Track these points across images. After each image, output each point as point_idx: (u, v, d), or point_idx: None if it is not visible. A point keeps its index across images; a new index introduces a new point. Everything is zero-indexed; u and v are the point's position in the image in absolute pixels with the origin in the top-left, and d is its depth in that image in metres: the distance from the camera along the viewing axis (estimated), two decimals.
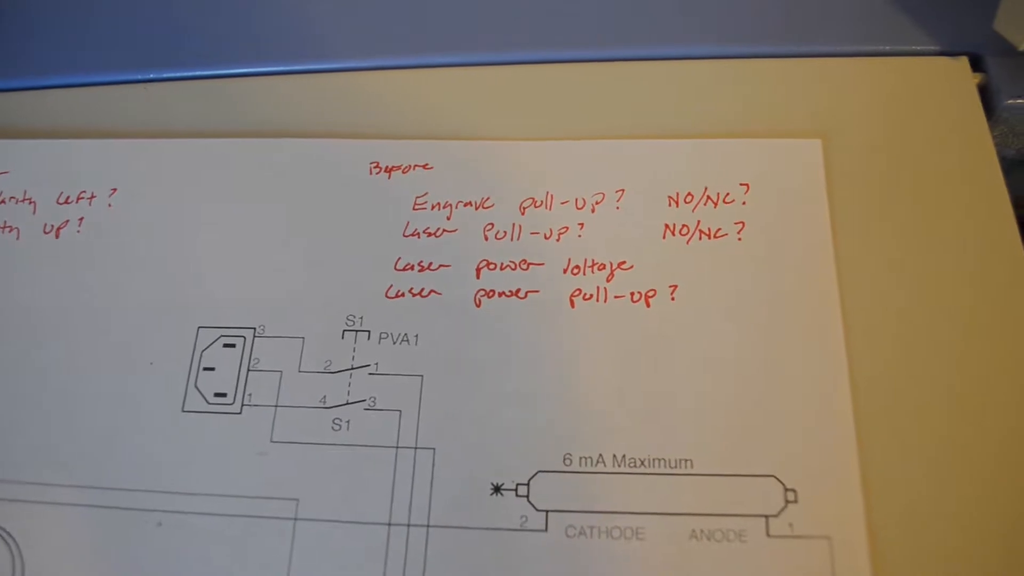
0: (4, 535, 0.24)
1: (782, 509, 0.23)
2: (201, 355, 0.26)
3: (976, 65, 0.28)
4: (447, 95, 0.29)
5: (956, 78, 0.28)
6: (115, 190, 0.29)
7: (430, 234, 0.27)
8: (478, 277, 0.26)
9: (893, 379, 0.24)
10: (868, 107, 0.28)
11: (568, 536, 0.23)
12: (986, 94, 0.28)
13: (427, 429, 0.24)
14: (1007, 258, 0.25)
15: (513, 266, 0.26)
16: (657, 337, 0.25)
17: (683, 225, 0.26)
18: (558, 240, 0.27)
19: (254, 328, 0.26)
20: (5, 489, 0.25)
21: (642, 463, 0.24)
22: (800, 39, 0.29)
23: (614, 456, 0.24)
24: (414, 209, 0.27)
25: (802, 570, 0.22)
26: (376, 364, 0.25)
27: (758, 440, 0.23)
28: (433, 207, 0.27)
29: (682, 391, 0.24)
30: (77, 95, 0.31)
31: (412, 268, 0.27)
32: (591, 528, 0.23)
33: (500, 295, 0.26)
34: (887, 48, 0.29)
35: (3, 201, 0.29)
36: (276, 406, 0.25)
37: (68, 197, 0.29)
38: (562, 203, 0.27)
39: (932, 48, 0.29)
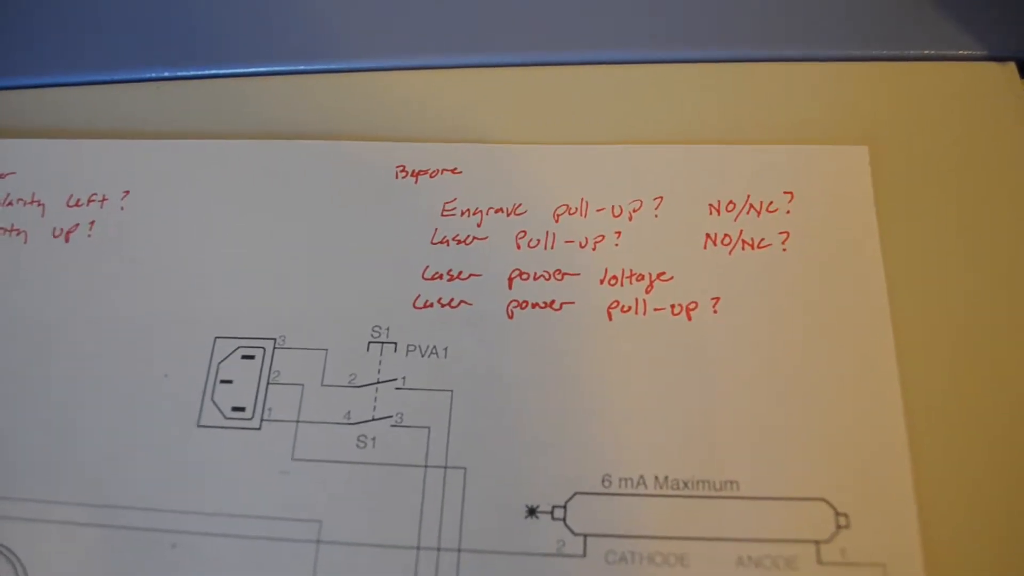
0: (8, 554, 0.23)
1: (834, 534, 0.22)
2: (218, 367, 0.25)
3: None
4: (477, 97, 0.28)
5: (1004, 84, 0.27)
6: (128, 192, 0.28)
7: (459, 241, 0.26)
8: (510, 287, 0.25)
9: (948, 395, 0.23)
10: (915, 113, 0.27)
11: (608, 562, 0.22)
12: None
13: (457, 447, 0.23)
14: None
15: (547, 276, 0.25)
16: (699, 352, 0.24)
17: (725, 235, 0.25)
18: (594, 249, 0.25)
19: (274, 339, 0.25)
20: (9, 507, 0.23)
21: (685, 485, 0.22)
22: (846, 43, 0.28)
23: (656, 477, 0.23)
24: (442, 215, 0.26)
25: None
26: (403, 378, 0.24)
27: (807, 461, 0.22)
28: (462, 213, 0.26)
29: (726, 409, 0.23)
30: (88, 94, 0.30)
31: (441, 277, 0.25)
32: (632, 554, 0.22)
33: (534, 306, 0.25)
34: (933, 53, 0.28)
35: (10, 203, 0.28)
36: (297, 422, 0.24)
37: (78, 199, 0.28)
38: (598, 210, 0.26)
39: (980, 53, 0.28)
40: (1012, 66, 0.28)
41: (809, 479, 0.22)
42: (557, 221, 0.26)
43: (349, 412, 0.24)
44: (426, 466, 0.23)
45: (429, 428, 0.24)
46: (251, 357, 0.25)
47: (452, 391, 0.24)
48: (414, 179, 0.27)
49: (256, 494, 0.23)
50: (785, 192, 0.26)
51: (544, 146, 0.27)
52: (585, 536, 0.22)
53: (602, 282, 0.25)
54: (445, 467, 0.23)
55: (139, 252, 0.27)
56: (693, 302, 0.25)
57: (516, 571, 0.22)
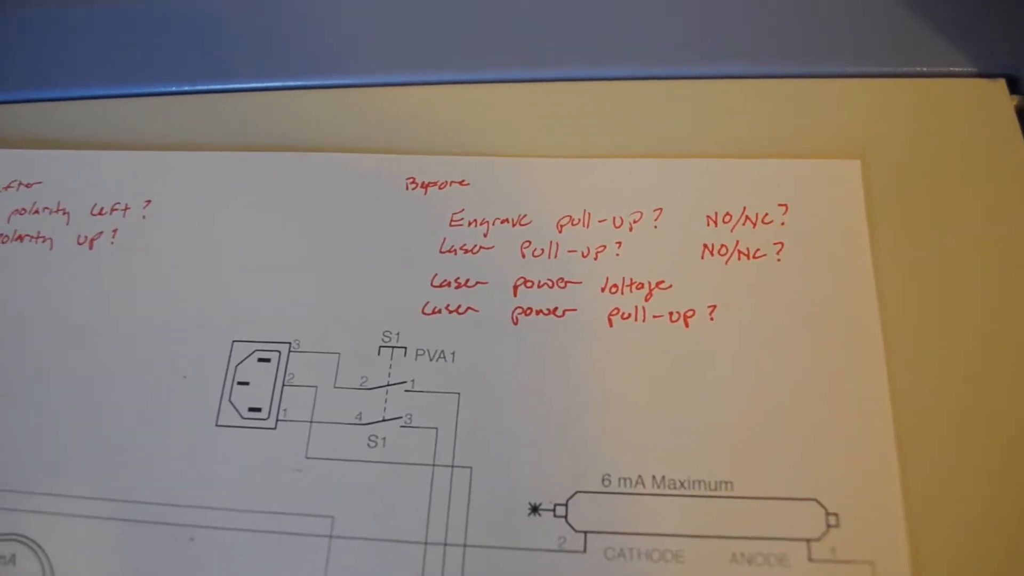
0: (35, 547, 0.24)
1: (824, 533, 0.22)
2: (235, 369, 0.26)
3: (1014, 87, 0.28)
4: (484, 111, 0.29)
5: (994, 100, 0.28)
6: (149, 202, 0.29)
7: (467, 251, 0.27)
8: (515, 295, 0.26)
9: (936, 401, 0.24)
10: (906, 128, 0.28)
11: (607, 558, 0.23)
12: None
13: (464, 447, 0.24)
14: None
15: (550, 284, 0.26)
16: (696, 357, 0.25)
17: (722, 245, 0.26)
18: (596, 258, 0.26)
19: (289, 343, 0.26)
20: (36, 501, 0.24)
21: (682, 484, 0.23)
22: (838, 60, 0.29)
23: (653, 477, 0.23)
24: (451, 225, 0.27)
25: None
26: (412, 381, 0.25)
27: (799, 462, 0.23)
28: (470, 223, 0.27)
29: (721, 412, 0.24)
30: (112, 106, 0.31)
31: (449, 285, 0.26)
32: (630, 550, 0.23)
33: (537, 313, 0.26)
34: (924, 69, 0.29)
35: (37, 211, 0.29)
36: (311, 422, 0.25)
37: (102, 208, 0.29)
38: (600, 221, 0.27)
39: (970, 70, 0.29)
40: (1002, 82, 0.28)
41: (801, 480, 0.23)
42: (560, 231, 0.27)
43: (360, 413, 0.25)
44: (434, 465, 0.24)
45: (437, 429, 0.24)
46: (267, 360, 0.26)
47: (459, 394, 0.25)
48: (423, 191, 0.28)
49: (271, 491, 0.24)
50: (780, 204, 0.27)
51: (548, 159, 0.28)
52: (585, 533, 0.23)
53: (603, 290, 0.26)
54: (452, 466, 0.24)
55: (160, 259, 0.28)
56: (691, 310, 0.25)
57: (519, 566, 0.23)
